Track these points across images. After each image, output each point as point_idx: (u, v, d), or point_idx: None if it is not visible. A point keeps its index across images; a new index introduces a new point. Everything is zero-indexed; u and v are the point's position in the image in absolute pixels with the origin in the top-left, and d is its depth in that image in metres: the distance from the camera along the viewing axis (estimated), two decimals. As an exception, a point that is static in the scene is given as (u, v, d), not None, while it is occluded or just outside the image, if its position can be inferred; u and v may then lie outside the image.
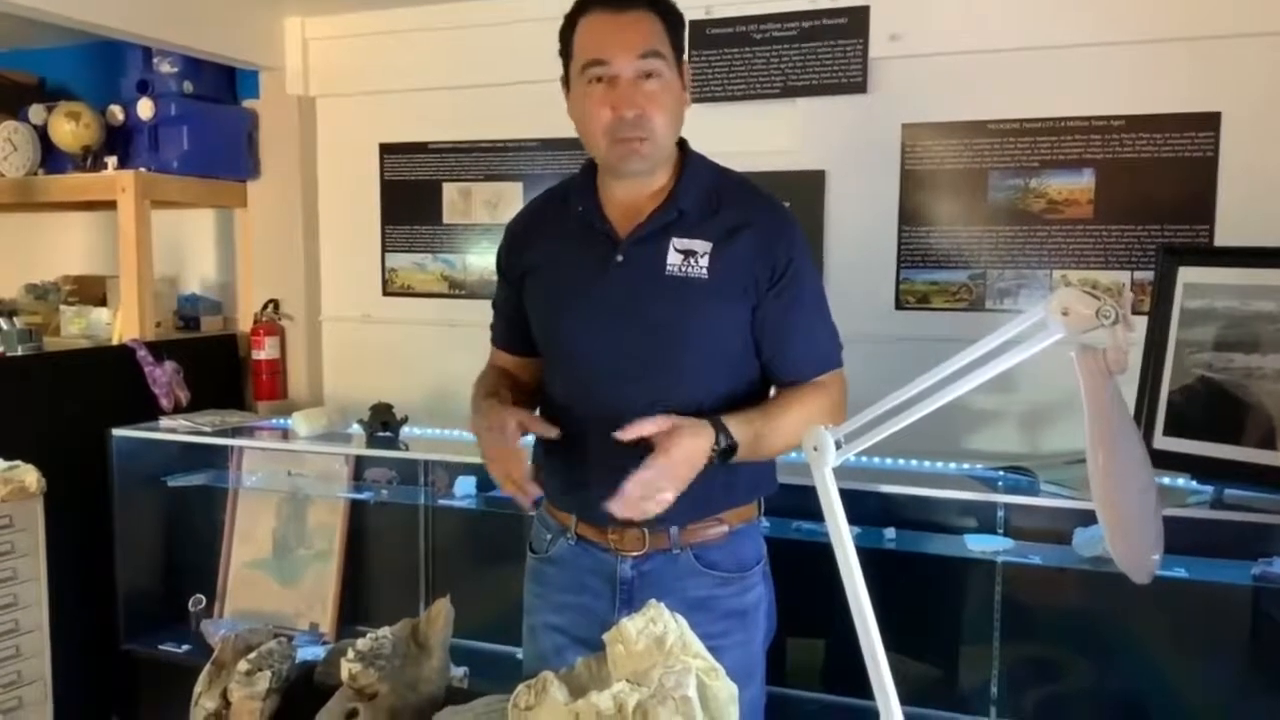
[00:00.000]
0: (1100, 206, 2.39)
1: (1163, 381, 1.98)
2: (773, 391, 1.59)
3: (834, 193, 2.61)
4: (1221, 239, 2.28)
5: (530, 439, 1.55)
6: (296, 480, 2.84)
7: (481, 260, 3.02)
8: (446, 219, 3.07)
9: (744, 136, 2.60)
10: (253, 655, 1.11)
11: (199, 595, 2.88)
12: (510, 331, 1.71)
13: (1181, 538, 1.72)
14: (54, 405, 2.67)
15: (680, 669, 0.86)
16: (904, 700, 1.03)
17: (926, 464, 2.32)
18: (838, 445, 1.07)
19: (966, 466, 2.31)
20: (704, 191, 1.53)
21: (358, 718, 1.04)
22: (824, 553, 1.08)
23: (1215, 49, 2.27)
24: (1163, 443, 1.96)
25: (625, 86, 1.45)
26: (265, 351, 3.13)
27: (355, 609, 2.85)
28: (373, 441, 2.70)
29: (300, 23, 3.10)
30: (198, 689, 1.12)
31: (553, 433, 1.52)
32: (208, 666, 1.13)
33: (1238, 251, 2.01)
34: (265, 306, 3.20)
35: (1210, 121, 2.28)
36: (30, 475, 2.23)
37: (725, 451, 1.43)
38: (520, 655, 1.73)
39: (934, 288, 2.54)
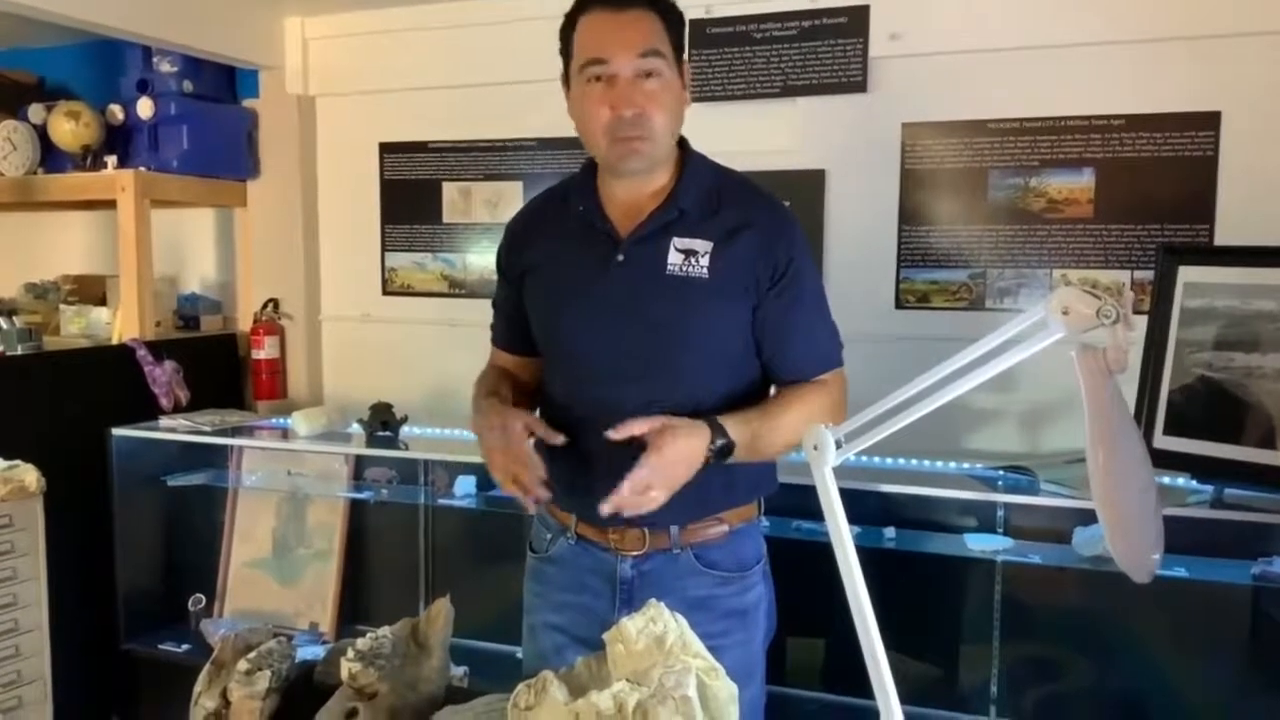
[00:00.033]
0: (1100, 206, 2.39)
1: (1163, 381, 1.98)
2: (773, 391, 1.59)
3: (834, 192, 2.61)
4: (1221, 238, 2.28)
5: (531, 441, 1.54)
6: (296, 480, 2.84)
7: (481, 259, 3.02)
8: (446, 218, 3.07)
9: (744, 136, 2.60)
10: (252, 655, 1.11)
11: (199, 595, 2.88)
12: (510, 331, 1.70)
13: (1181, 537, 1.72)
14: (54, 405, 2.67)
15: (680, 669, 0.86)
16: (904, 699, 1.03)
17: (926, 463, 2.32)
18: (838, 444, 1.07)
19: (966, 466, 2.31)
20: (705, 191, 1.53)
21: (357, 717, 1.04)
22: (824, 552, 1.08)
23: (1215, 48, 2.27)
24: (1163, 442, 1.96)
25: (624, 85, 1.45)
26: (265, 351, 3.13)
27: (355, 608, 2.85)
28: (372, 441, 2.70)
29: (300, 22, 3.10)
30: (197, 688, 1.12)
31: (559, 439, 1.51)
32: (207, 666, 1.13)
33: (1238, 251, 2.01)
34: (265, 306, 3.20)
35: (1210, 121, 2.28)
36: (30, 475, 2.23)
37: (721, 451, 1.43)
38: (520, 655, 1.73)
39: (934, 287, 2.54)
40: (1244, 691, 2.11)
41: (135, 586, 2.81)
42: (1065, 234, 2.42)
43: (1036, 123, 2.42)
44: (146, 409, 2.84)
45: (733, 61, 2.65)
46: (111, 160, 2.96)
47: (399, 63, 3.01)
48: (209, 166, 3.07)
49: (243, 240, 3.30)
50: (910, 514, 2.24)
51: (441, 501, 2.64)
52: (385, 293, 3.17)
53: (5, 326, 2.71)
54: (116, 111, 3.01)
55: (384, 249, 3.16)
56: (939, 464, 2.31)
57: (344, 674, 1.07)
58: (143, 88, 3.01)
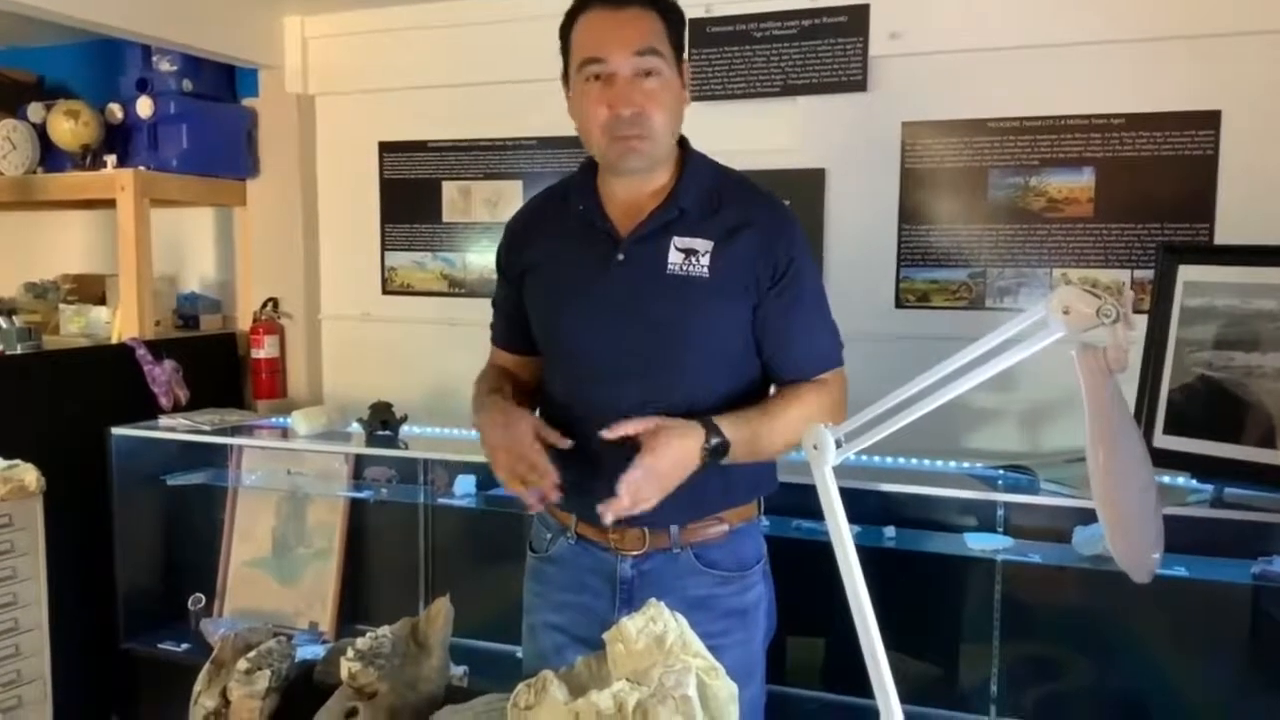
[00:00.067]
0: (1100, 205, 2.39)
1: (1163, 380, 1.98)
2: (773, 390, 1.59)
3: (834, 191, 2.60)
4: (1221, 237, 2.28)
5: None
6: (296, 479, 2.84)
7: (481, 259, 3.01)
8: (446, 217, 3.07)
9: (744, 135, 2.60)
10: (252, 654, 1.11)
11: (198, 594, 2.87)
12: (510, 330, 1.70)
13: (1181, 536, 1.72)
14: (53, 404, 2.67)
15: (680, 668, 0.86)
16: (904, 699, 1.03)
17: (926, 462, 2.32)
18: (838, 444, 1.06)
19: (966, 465, 2.31)
20: (705, 190, 1.53)
21: (357, 717, 1.04)
22: (824, 551, 1.08)
23: (1215, 47, 2.27)
24: (1163, 441, 1.96)
25: (623, 84, 1.44)
26: (265, 350, 3.13)
27: (355, 608, 2.85)
28: (372, 440, 2.70)
29: (300, 21, 3.09)
30: (197, 688, 1.12)
31: (565, 443, 1.49)
32: (207, 665, 1.13)
33: (1238, 250, 2.01)
34: (265, 305, 3.20)
35: (1210, 120, 2.28)
36: (30, 474, 2.23)
37: (716, 450, 1.42)
38: (520, 654, 1.73)
39: (934, 286, 2.54)
40: (1244, 691, 2.11)
41: (135, 586, 2.81)
42: (1065, 233, 2.42)
43: (1036, 122, 2.42)
44: (146, 408, 2.84)
45: (733, 60, 2.65)
46: (111, 159, 2.96)
47: (399, 61, 3.01)
48: (208, 165, 3.07)
49: (242, 239, 3.30)
50: (910, 513, 2.24)
51: (441, 501, 2.63)
52: (385, 292, 3.17)
53: (5, 326, 2.71)
54: (116, 110, 3.01)
55: (384, 248, 3.16)
56: (939, 463, 2.31)
57: (344, 673, 1.07)
58: (142, 87, 3.01)
